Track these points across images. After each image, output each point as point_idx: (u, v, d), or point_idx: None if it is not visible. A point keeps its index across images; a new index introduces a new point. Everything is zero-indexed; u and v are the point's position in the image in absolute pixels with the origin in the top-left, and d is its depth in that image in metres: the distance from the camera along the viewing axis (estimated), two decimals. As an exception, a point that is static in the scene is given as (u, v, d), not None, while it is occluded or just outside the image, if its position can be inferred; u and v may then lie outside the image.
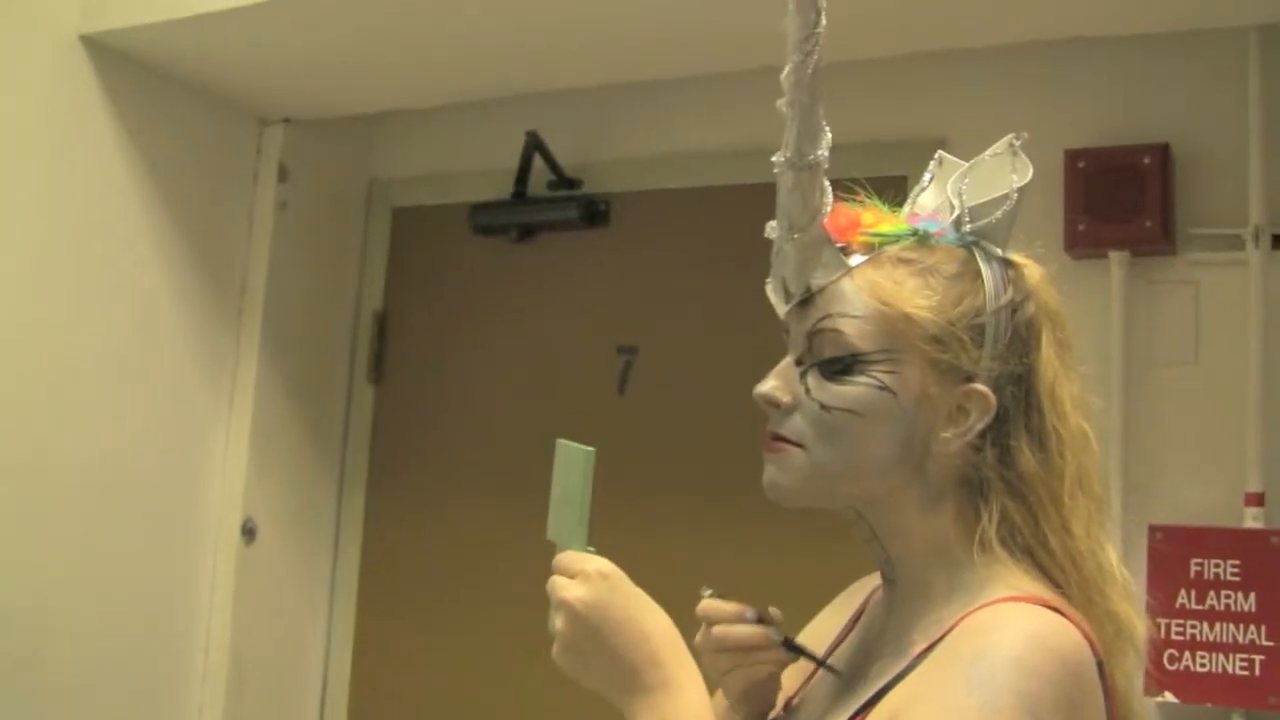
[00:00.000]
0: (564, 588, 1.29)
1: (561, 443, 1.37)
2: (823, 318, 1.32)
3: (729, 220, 3.25)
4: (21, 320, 2.84)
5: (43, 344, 2.89)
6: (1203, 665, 2.55)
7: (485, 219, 3.56)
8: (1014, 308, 1.33)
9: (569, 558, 1.32)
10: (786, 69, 1.28)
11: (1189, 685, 2.54)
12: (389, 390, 3.70)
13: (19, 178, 2.84)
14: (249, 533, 3.35)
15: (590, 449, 1.34)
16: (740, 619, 1.42)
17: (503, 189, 3.53)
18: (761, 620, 1.41)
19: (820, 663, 1.42)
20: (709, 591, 1.46)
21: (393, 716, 3.51)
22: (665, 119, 3.39)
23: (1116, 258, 2.77)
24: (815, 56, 1.27)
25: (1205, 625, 2.56)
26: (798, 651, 1.43)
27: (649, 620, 1.29)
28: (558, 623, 1.29)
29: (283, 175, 3.45)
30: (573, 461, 1.35)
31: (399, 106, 3.50)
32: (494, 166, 3.53)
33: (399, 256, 3.74)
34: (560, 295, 3.51)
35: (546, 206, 3.50)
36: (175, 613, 3.24)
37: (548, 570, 1.32)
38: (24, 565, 2.84)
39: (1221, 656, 2.54)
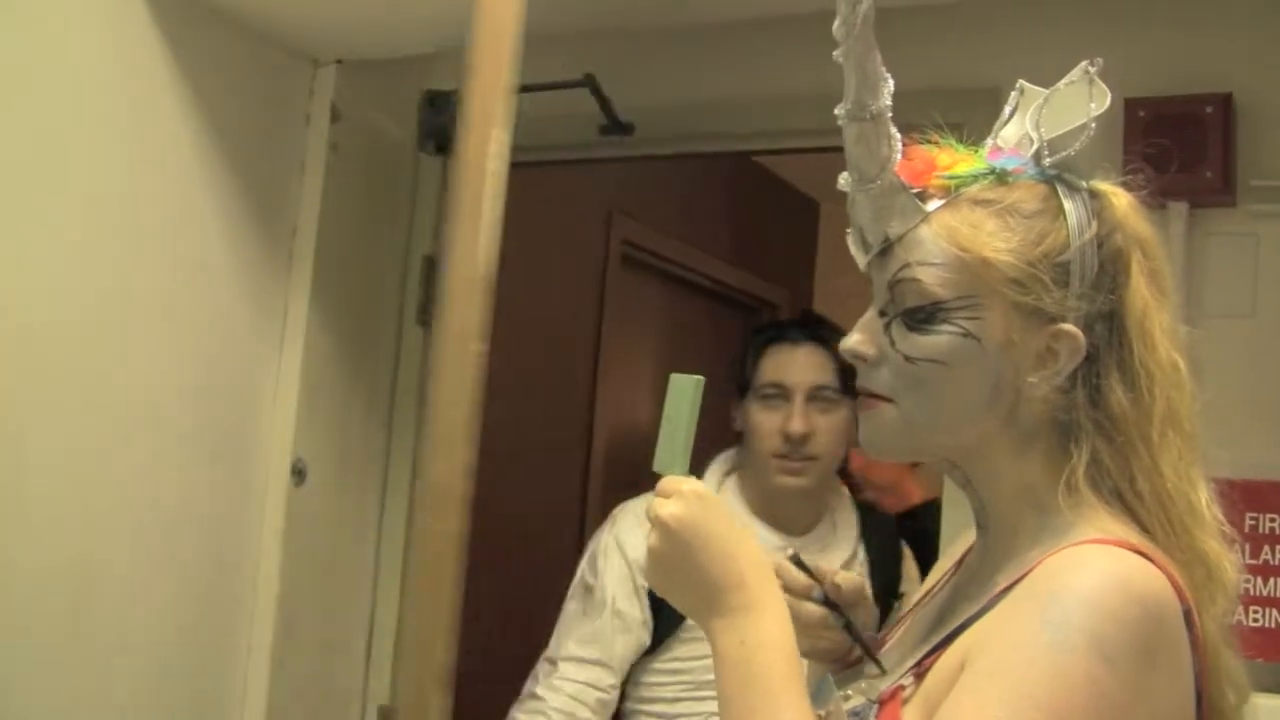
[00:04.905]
0: (660, 506, 1.29)
1: (674, 376, 1.38)
2: (902, 267, 1.30)
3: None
4: (71, 260, 2.84)
5: (92, 284, 2.88)
6: (1256, 620, 2.53)
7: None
8: (1100, 241, 1.30)
9: (667, 480, 1.31)
10: (837, 20, 1.25)
11: (1241, 640, 2.51)
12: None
13: (71, 116, 2.83)
14: (299, 474, 3.35)
15: (700, 376, 1.35)
16: (807, 596, 1.42)
17: (554, 133, 3.50)
18: (828, 602, 1.41)
19: (872, 657, 1.42)
20: (790, 552, 1.46)
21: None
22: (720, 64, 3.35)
23: (1175, 208, 2.73)
24: (865, 4, 1.23)
25: (1259, 580, 2.54)
26: (856, 638, 1.43)
27: (738, 542, 1.28)
28: (652, 540, 1.28)
29: (335, 117, 3.42)
30: (682, 391, 1.36)
31: (452, 48, 3.47)
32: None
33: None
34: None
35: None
36: (225, 554, 3.26)
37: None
38: (74, 506, 2.85)
39: (1275, 611, 2.52)
